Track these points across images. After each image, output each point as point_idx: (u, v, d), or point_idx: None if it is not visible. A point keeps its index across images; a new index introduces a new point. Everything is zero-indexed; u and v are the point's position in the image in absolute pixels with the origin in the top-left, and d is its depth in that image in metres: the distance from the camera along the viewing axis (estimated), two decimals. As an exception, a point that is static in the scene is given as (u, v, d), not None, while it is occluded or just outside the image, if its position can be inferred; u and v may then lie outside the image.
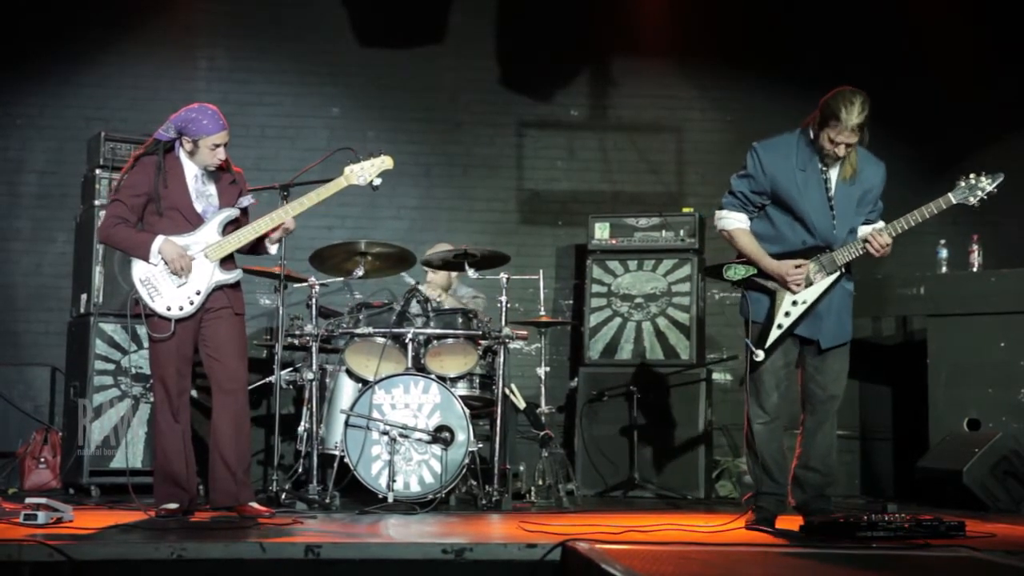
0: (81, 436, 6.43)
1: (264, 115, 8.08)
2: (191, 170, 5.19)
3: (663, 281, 7.58)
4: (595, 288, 7.66)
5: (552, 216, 8.31)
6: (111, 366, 6.50)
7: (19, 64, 7.81)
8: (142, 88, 7.93)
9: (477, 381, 6.35)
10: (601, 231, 7.70)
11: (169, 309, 5.09)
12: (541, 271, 6.81)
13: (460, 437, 5.81)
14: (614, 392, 7.31)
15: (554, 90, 8.38)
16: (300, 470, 6.27)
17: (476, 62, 8.30)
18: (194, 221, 5.17)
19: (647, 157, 8.38)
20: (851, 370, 5.07)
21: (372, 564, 4.18)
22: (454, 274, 7.05)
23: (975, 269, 6.94)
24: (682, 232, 7.60)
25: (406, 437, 5.78)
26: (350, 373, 6.24)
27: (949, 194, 4.90)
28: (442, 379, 6.01)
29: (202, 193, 5.21)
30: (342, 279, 6.60)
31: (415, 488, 5.77)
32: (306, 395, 6.26)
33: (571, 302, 8.20)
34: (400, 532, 4.85)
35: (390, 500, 5.66)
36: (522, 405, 6.48)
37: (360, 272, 6.23)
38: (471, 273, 6.25)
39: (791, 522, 4.82)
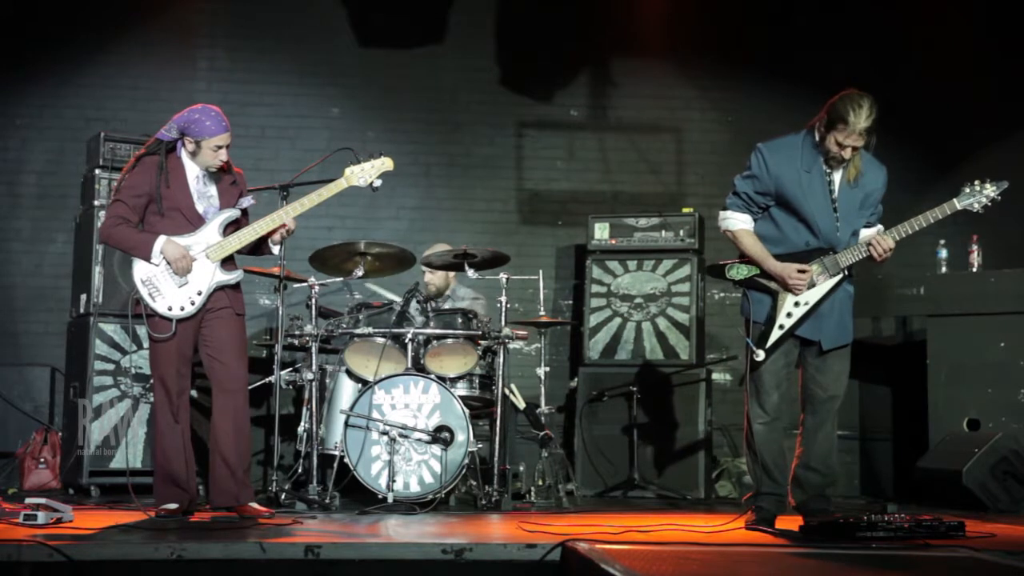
0: (81, 436, 6.43)
1: (264, 115, 8.07)
2: (193, 171, 5.19)
3: (663, 281, 7.58)
4: (595, 288, 7.66)
5: (552, 216, 8.31)
6: (111, 366, 6.50)
7: (19, 64, 7.81)
8: (142, 88, 7.93)
9: (477, 381, 6.35)
10: (601, 231, 7.69)
11: (170, 309, 5.09)
12: (541, 271, 6.81)
13: (460, 437, 5.81)
14: (614, 392, 7.30)
15: (554, 90, 8.38)
16: (300, 470, 6.27)
17: (476, 62, 8.29)
18: (195, 222, 5.17)
19: (647, 157, 8.38)
20: (851, 370, 5.07)
21: (372, 564, 4.19)
22: (452, 275, 7.05)
23: (975, 269, 6.93)
24: (682, 232, 7.60)
25: (406, 437, 5.78)
26: (350, 373, 6.24)
27: (954, 200, 4.91)
28: (442, 379, 6.00)
29: (203, 194, 5.20)
30: (342, 279, 6.60)
31: (415, 488, 5.76)
32: (306, 395, 6.26)
33: (571, 302, 8.20)
34: (400, 532, 4.85)
35: (390, 500, 5.66)
36: (522, 405, 6.48)
37: (360, 272, 6.23)
38: (471, 273, 6.24)
39: (791, 522, 4.81)
